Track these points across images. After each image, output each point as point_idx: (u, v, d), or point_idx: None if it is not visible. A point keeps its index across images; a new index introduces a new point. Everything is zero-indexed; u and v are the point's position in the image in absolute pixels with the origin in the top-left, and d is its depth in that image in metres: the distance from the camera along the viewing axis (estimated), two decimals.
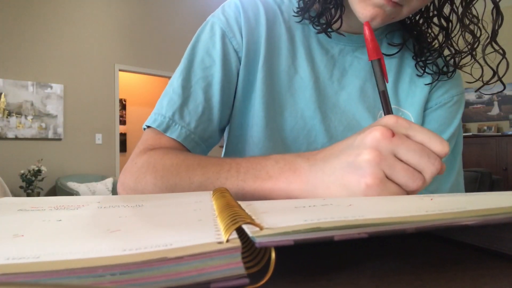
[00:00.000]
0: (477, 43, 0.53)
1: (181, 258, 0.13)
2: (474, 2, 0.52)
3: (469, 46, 0.53)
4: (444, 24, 0.56)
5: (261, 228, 0.16)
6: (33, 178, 3.67)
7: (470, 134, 4.79)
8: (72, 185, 3.86)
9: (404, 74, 0.58)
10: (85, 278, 0.13)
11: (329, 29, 0.54)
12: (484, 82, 0.54)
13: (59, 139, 4.11)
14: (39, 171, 3.69)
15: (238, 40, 0.54)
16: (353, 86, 0.56)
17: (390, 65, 0.58)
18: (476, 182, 2.97)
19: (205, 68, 0.53)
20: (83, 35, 4.30)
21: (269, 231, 0.15)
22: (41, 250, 0.16)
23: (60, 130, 4.10)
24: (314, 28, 0.56)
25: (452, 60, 0.56)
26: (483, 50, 0.52)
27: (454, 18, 0.55)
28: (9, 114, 3.81)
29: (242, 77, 0.54)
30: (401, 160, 0.30)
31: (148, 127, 0.54)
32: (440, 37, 0.57)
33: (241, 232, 0.17)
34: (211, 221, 0.19)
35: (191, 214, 0.23)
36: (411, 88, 0.57)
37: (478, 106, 5.17)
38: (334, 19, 0.52)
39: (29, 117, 3.92)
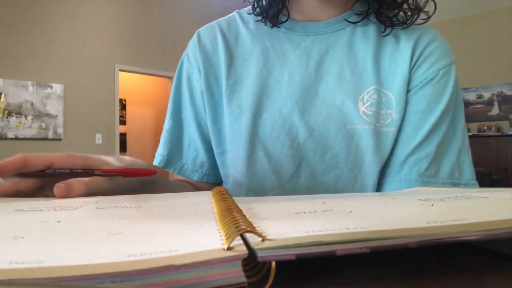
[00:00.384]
0: None
1: (183, 266, 0.13)
2: None
3: None
4: None
5: (263, 238, 0.16)
6: None
7: (470, 134, 4.79)
8: None
9: (384, 52, 0.56)
10: (85, 284, 0.13)
11: (283, 20, 0.58)
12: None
13: (59, 139, 4.11)
14: None
15: (197, 74, 0.61)
16: (331, 74, 0.56)
17: (367, 43, 0.56)
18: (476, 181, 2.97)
19: (184, 108, 0.63)
20: (83, 35, 4.30)
21: (271, 244, 0.15)
22: (43, 254, 0.16)
23: (60, 130, 4.10)
24: (269, 23, 0.59)
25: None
26: None
27: None
28: (9, 114, 3.81)
29: (207, 100, 0.60)
30: None
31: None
32: None
33: (241, 239, 0.17)
34: (213, 227, 0.19)
35: (192, 217, 0.23)
36: (391, 66, 0.55)
37: (478, 106, 5.17)
38: (278, 7, 0.57)
39: (29, 117, 3.92)
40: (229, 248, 0.15)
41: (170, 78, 5.02)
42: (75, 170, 0.38)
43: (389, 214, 0.20)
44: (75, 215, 0.26)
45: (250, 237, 0.16)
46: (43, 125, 4.00)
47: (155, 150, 0.65)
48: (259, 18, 0.60)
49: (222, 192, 0.30)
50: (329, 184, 0.54)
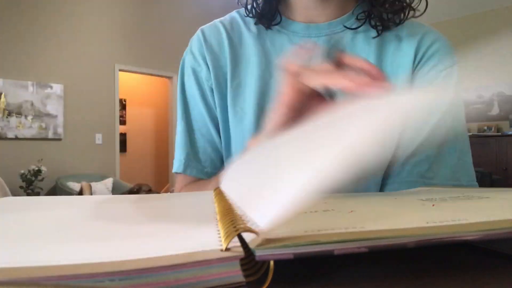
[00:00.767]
0: None
1: (181, 265, 0.13)
2: None
3: None
4: None
5: (261, 238, 0.16)
6: (33, 178, 3.67)
7: (470, 134, 4.79)
8: (72, 185, 3.86)
9: (386, 52, 0.56)
10: (84, 282, 0.13)
11: (278, 21, 0.58)
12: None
13: (59, 139, 4.11)
14: (39, 171, 3.69)
15: (206, 72, 0.60)
16: None
17: (369, 44, 0.56)
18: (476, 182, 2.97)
19: (193, 109, 0.61)
20: (83, 35, 4.30)
21: (269, 243, 0.15)
22: (43, 254, 0.16)
23: (60, 130, 4.10)
24: (264, 24, 0.59)
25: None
26: None
27: None
28: (9, 114, 3.81)
29: (218, 101, 0.59)
30: None
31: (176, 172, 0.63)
32: None
33: (240, 239, 0.17)
34: (212, 226, 0.19)
35: (192, 216, 0.23)
36: (394, 68, 0.55)
37: (478, 106, 5.17)
38: (271, 9, 0.57)
39: (29, 117, 3.92)
40: (227, 248, 0.15)
41: (170, 78, 5.01)
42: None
43: (389, 214, 0.20)
44: (75, 214, 0.26)
45: (248, 236, 0.16)
46: (43, 125, 4.00)
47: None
48: (255, 19, 0.60)
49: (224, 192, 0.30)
50: None
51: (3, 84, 3.77)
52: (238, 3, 0.61)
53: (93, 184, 4.00)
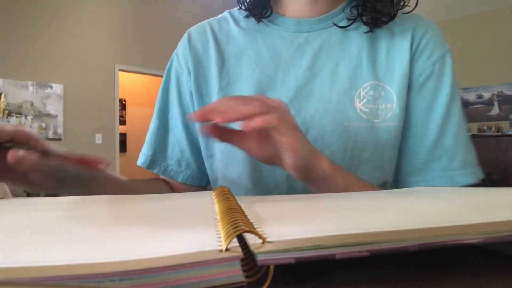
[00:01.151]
0: None
1: (181, 266, 0.13)
2: None
3: None
4: None
5: (263, 240, 0.16)
6: None
7: (470, 134, 4.79)
8: None
9: (379, 45, 0.56)
10: (85, 283, 0.13)
11: (268, 15, 0.58)
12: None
13: (59, 139, 4.11)
14: None
15: (186, 75, 0.61)
16: (326, 71, 0.55)
17: (361, 38, 0.56)
18: (476, 182, 2.97)
19: (171, 109, 0.62)
20: (83, 35, 4.30)
21: (271, 247, 0.15)
22: (43, 254, 0.16)
23: (60, 130, 4.10)
24: (255, 16, 0.59)
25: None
26: None
27: None
28: (9, 114, 3.81)
29: (196, 102, 0.60)
30: None
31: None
32: None
33: (240, 239, 0.17)
34: (212, 227, 0.19)
35: (193, 217, 0.23)
36: (389, 60, 0.55)
37: (478, 106, 5.17)
38: (263, 3, 0.57)
39: (29, 117, 3.92)
40: (227, 249, 0.15)
41: None
42: (33, 149, 0.39)
43: (392, 215, 0.20)
44: (76, 215, 0.26)
45: (250, 238, 0.16)
46: (43, 125, 4.00)
47: None
48: (246, 13, 0.60)
49: (225, 192, 0.30)
50: None
51: (3, 84, 3.77)
52: None
53: None
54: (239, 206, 0.24)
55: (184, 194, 0.37)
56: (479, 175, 0.53)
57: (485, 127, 5.05)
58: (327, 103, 0.54)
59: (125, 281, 0.13)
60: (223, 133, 0.41)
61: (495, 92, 5.05)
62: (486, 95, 5.11)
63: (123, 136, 5.91)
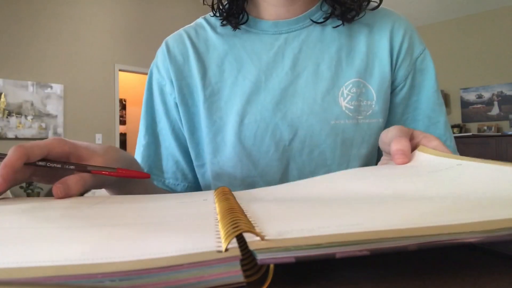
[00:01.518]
0: None
1: (181, 266, 0.13)
2: None
3: None
4: None
5: (262, 238, 0.16)
6: None
7: (470, 134, 4.79)
8: None
9: (358, 43, 0.56)
10: (84, 283, 0.13)
11: (245, 20, 0.58)
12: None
13: None
14: None
15: (169, 86, 0.59)
16: (308, 70, 0.55)
17: (339, 35, 0.56)
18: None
19: (160, 122, 0.61)
20: (83, 35, 4.30)
21: (270, 246, 0.15)
22: (43, 254, 0.16)
23: (60, 130, 4.10)
24: (232, 24, 0.58)
25: None
26: None
27: None
28: (9, 114, 3.81)
29: (183, 113, 0.59)
30: None
31: None
32: None
33: (241, 239, 0.17)
34: (212, 227, 0.19)
35: (193, 217, 0.23)
36: (369, 58, 0.56)
37: (478, 106, 5.17)
38: (237, 8, 0.57)
39: (29, 117, 3.92)
40: (227, 249, 0.15)
41: None
42: (67, 166, 0.38)
43: (392, 214, 0.20)
44: (75, 214, 0.26)
45: (249, 237, 0.16)
46: (43, 125, 4.00)
47: None
48: (222, 21, 0.59)
49: (225, 192, 0.30)
50: None
51: (3, 84, 3.77)
52: (203, 2, 0.60)
53: None
54: (239, 206, 0.24)
55: (185, 194, 0.37)
56: None
57: (485, 127, 5.06)
58: (313, 103, 0.54)
59: (125, 281, 0.13)
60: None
61: (495, 92, 5.05)
62: (486, 95, 5.11)
63: (123, 136, 5.91)
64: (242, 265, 0.14)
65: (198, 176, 0.61)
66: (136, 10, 4.73)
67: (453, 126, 5.11)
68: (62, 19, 4.16)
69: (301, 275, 0.19)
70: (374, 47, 0.56)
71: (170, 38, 0.63)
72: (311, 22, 0.57)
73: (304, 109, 0.54)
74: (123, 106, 6.06)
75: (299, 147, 0.54)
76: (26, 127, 3.90)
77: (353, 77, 0.54)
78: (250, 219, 0.20)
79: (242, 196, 0.31)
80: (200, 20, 0.64)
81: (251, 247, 0.15)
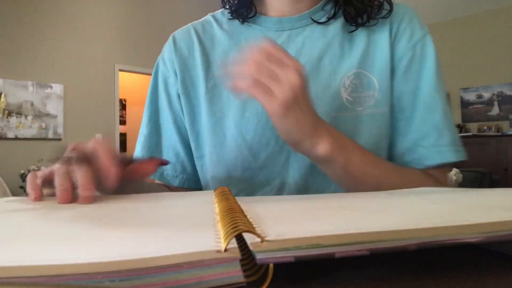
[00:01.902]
0: None
1: (180, 266, 0.13)
2: None
3: None
4: None
5: (262, 239, 0.16)
6: None
7: (470, 134, 4.79)
8: None
9: (359, 35, 0.56)
10: (84, 283, 0.13)
11: (251, 16, 0.59)
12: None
13: (59, 139, 4.11)
14: (39, 171, 3.68)
15: (173, 77, 0.61)
16: (309, 65, 0.56)
17: (342, 29, 0.57)
18: (476, 182, 2.97)
19: (162, 113, 0.62)
20: (83, 35, 4.30)
21: (270, 246, 0.15)
22: (43, 254, 0.16)
23: (60, 130, 4.10)
24: (239, 18, 0.59)
25: None
26: None
27: None
28: (9, 114, 3.81)
29: (184, 103, 0.60)
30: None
31: None
32: None
33: (240, 239, 0.17)
34: (211, 227, 0.19)
35: (193, 217, 0.23)
36: (370, 48, 0.56)
37: (478, 106, 5.17)
38: (246, 4, 0.58)
39: (29, 117, 3.92)
40: (226, 249, 0.15)
41: None
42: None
43: (390, 214, 0.20)
44: (75, 214, 0.26)
45: (249, 237, 0.16)
46: (43, 125, 4.00)
47: None
48: (229, 16, 0.61)
49: (225, 192, 0.30)
50: (317, 176, 0.54)
51: (3, 84, 3.77)
52: None
53: None
54: (239, 206, 0.24)
55: (185, 193, 0.37)
56: (465, 156, 0.54)
57: (485, 127, 5.06)
58: (314, 96, 0.54)
59: (125, 281, 0.13)
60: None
61: (495, 92, 5.06)
62: (486, 95, 5.11)
63: (123, 136, 5.91)
64: (242, 265, 0.14)
65: (198, 168, 0.61)
66: (136, 10, 4.73)
67: None
68: (62, 19, 4.16)
69: (301, 276, 0.19)
70: (375, 37, 0.56)
71: (177, 32, 0.64)
72: (314, 19, 0.58)
73: None
74: (123, 106, 6.06)
75: None
76: (26, 127, 3.90)
77: (354, 68, 0.55)
78: (250, 220, 0.20)
79: (243, 199, 0.31)
80: (208, 16, 0.65)
81: (251, 247, 0.15)
